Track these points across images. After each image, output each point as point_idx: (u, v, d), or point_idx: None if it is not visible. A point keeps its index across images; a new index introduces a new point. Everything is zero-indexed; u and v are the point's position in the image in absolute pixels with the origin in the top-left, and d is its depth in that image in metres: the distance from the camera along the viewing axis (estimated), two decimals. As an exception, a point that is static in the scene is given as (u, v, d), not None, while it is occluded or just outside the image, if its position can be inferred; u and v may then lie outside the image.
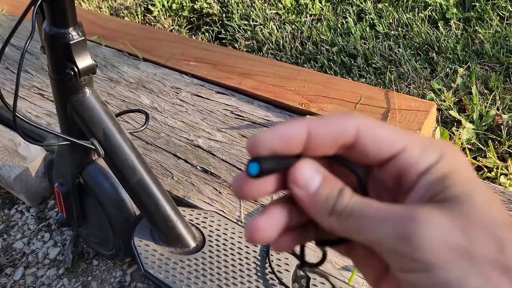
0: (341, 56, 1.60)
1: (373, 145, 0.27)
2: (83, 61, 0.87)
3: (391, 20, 1.69)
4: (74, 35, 0.84)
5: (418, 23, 1.64)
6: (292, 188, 0.27)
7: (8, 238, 1.42)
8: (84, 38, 0.86)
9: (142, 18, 2.09)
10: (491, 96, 1.35)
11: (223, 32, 1.89)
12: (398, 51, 1.55)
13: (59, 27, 0.84)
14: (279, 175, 0.28)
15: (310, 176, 0.27)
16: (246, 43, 1.80)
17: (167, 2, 2.09)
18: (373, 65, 1.54)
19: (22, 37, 1.88)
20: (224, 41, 1.85)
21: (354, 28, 1.69)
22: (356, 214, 0.25)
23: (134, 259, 1.26)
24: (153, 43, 1.70)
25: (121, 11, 2.15)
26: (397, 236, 0.23)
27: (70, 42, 0.84)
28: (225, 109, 1.38)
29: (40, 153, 1.44)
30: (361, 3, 1.81)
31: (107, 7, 2.20)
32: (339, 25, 1.73)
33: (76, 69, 0.86)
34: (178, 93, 1.47)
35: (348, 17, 1.76)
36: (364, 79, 1.51)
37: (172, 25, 2.00)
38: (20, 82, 1.66)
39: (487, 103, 1.34)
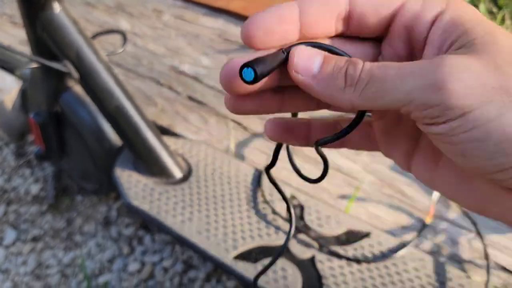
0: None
1: (369, 8, 0.25)
2: None
3: None
4: None
5: None
6: (295, 77, 0.25)
7: (-12, 175, 1.35)
8: None
9: None
10: (500, 15, 1.25)
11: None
12: None
13: None
14: (276, 73, 0.26)
15: (309, 57, 0.25)
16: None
17: None
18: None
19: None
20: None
21: None
22: (378, 77, 0.23)
23: (118, 193, 1.21)
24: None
25: None
26: (427, 87, 0.22)
27: None
28: (212, 33, 1.28)
29: (17, 84, 1.34)
30: None
31: None
32: None
33: None
34: (160, 17, 1.35)
35: None
36: None
37: None
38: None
39: (495, 22, 1.24)
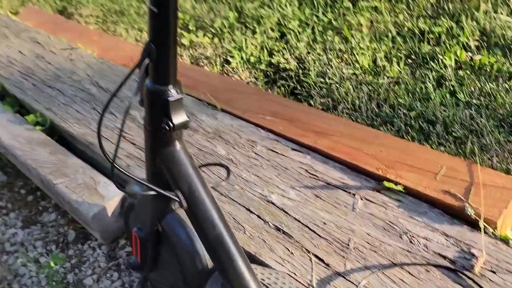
0: (419, 122, 1.58)
1: None
2: (179, 117, 0.91)
3: (472, 88, 1.66)
4: (173, 93, 0.89)
5: (502, 94, 1.60)
6: None
7: (79, 273, 1.47)
8: (181, 96, 0.91)
9: (220, 68, 2.17)
10: None
11: (299, 87, 1.93)
12: (480, 121, 1.51)
13: (160, 84, 0.88)
14: None
15: None
16: (321, 100, 1.82)
17: (245, 55, 2.17)
18: (453, 133, 1.51)
19: (110, 80, 2.01)
20: (299, 96, 1.89)
21: (434, 93, 1.67)
22: None
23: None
24: (231, 95, 1.76)
25: (201, 61, 2.25)
26: None
27: (169, 99, 0.88)
28: (300, 167, 1.39)
29: (118, 193, 1.50)
30: (441, 68, 1.79)
31: (188, 56, 2.31)
32: (418, 90, 1.72)
33: (171, 124, 0.90)
34: (253, 147, 1.50)
35: (427, 82, 1.75)
36: (443, 147, 1.47)
37: (249, 77, 2.07)
38: (103, 123, 1.76)
39: None
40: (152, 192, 0.98)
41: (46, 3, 3.23)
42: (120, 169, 0.89)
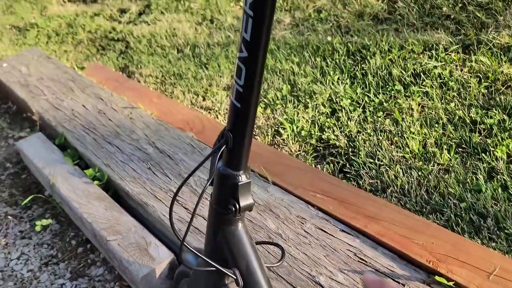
0: (470, 214, 1.58)
1: None
2: (245, 200, 0.96)
3: (525, 184, 1.66)
4: (243, 178, 0.95)
5: (557, 193, 1.59)
6: None
7: (122, 333, 1.49)
8: (249, 181, 0.96)
9: (271, 139, 2.25)
10: None
11: (348, 166, 1.97)
12: (533, 219, 1.51)
13: (232, 169, 0.95)
14: None
15: None
16: (370, 181, 1.85)
17: (297, 128, 2.24)
18: (505, 230, 1.50)
19: (166, 142, 2.11)
20: (348, 175, 1.92)
21: (485, 186, 1.68)
22: None
23: None
24: (282, 168, 1.81)
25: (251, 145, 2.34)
26: None
27: (238, 184, 0.94)
28: (349, 250, 1.41)
29: (168, 256, 1.54)
30: (493, 160, 1.80)
31: (241, 123, 2.41)
32: (468, 180, 1.73)
33: (237, 206, 0.95)
34: (303, 224, 1.53)
35: (478, 173, 1.76)
36: (494, 243, 1.46)
37: (299, 150, 2.13)
38: (160, 186, 1.83)
39: None
40: (212, 268, 1.03)
41: (109, 60, 3.45)
42: (189, 247, 0.94)
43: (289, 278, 1.34)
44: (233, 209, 0.96)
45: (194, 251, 0.96)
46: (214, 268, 1.02)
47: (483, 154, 1.84)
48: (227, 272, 0.99)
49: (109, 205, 1.82)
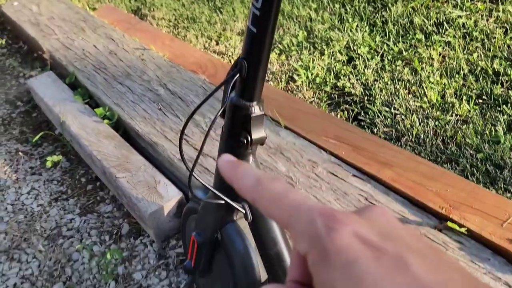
0: (486, 165, 1.54)
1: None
2: (258, 133, 0.92)
3: (546, 137, 1.61)
4: (256, 109, 0.91)
5: None
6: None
7: (129, 267, 1.51)
8: (263, 113, 0.93)
9: (285, 85, 2.20)
10: None
11: (362, 114, 1.92)
12: (552, 172, 1.46)
13: (245, 100, 0.90)
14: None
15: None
16: (385, 130, 1.80)
17: (311, 75, 2.18)
18: (522, 181, 1.46)
19: (177, 84, 2.06)
20: (362, 123, 1.88)
21: (504, 137, 1.62)
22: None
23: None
24: (296, 113, 1.77)
25: (266, 75, 2.28)
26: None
27: (251, 115, 0.90)
28: (360, 194, 1.38)
29: (176, 195, 1.53)
30: (513, 113, 1.74)
31: (254, 68, 2.35)
32: (487, 131, 1.68)
33: (249, 139, 0.92)
34: (314, 167, 1.50)
35: (497, 124, 1.70)
36: (510, 194, 1.43)
37: (313, 97, 2.07)
38: (170, 126, 1.80)
39: None
40: (221, 201, 1.01)
41: (121, 2, 3.36)
42: (198, 178, 0.92)
43: (298, 220, 1.32)
44: (245, 141, 0.93)
45: (203, 182, 0.93)
46: (222, 201, 1.00)
47: (504, 106, 1.78)
48: (236, 206, 0.97)
49: (119, 143, 1.81)
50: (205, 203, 1.14)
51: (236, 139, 0.93)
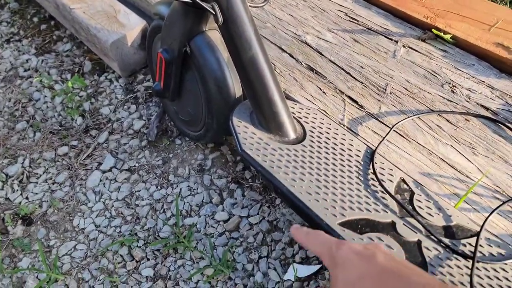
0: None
1: None
2: None
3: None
4: None
5: None
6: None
7: (96, 102, 1.42)
8: None
9: None
10: None
11: None
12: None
13: None
14: None
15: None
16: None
17: None
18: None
19: None
20: None
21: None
22: None
23: (218, 145, 1.24)
24: None
25: None
26: None
27: None
28: (339, 10, 1.28)
29: (139, 23, 1.40)
30: None
31: None
32: None
33: None
34: (289, -14, 1.37)
35: None
36: (503, 3, 1.34)
37: None
38: None
39: None
40: (188, 0, 0.89)
41: None
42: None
43: (272, 39, 1.23)
44: None
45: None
46: (190, 0, 0.88)
47: None
48: (204, 6, 0.86)
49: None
50: (171, 13, 1.02)
51: None
